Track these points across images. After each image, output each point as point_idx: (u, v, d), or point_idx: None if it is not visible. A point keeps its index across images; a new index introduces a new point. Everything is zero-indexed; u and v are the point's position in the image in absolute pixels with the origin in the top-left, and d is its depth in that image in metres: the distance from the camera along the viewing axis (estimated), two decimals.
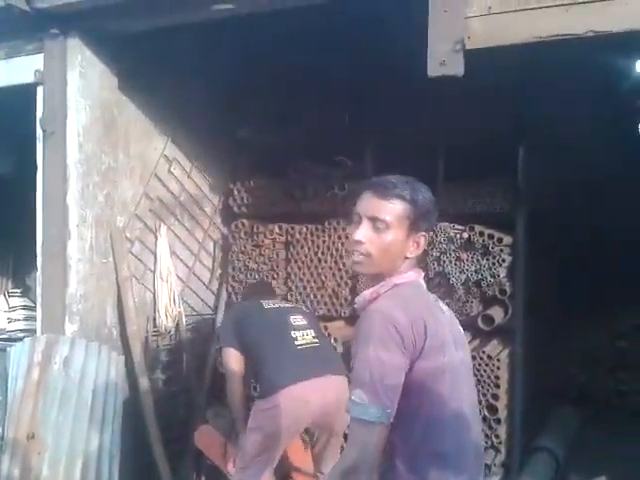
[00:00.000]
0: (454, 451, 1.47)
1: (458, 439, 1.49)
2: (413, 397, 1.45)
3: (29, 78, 3.53)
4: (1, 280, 5.98)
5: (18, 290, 5.20)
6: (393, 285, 1.55)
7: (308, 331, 3.33)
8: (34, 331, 3.65)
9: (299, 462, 3.51)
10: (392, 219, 1.52)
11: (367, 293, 1.60)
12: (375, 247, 1.53)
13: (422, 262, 3.94)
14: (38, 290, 3.55)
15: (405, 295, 1.53)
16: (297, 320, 3.38)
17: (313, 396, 3.02)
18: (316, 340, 3.32)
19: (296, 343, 3.21)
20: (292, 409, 2.97)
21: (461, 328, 1.70)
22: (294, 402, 2.98)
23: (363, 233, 1.53)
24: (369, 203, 1.55)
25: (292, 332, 3.26)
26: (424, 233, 1.58)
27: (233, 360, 3.25)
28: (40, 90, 3.52)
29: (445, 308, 1.66)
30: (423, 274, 1.69)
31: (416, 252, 1.59)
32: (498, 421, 3.67)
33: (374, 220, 1.53)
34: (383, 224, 1.52)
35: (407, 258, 1.58)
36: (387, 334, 1.40)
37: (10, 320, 4.91)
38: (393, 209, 1.53)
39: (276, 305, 3.55)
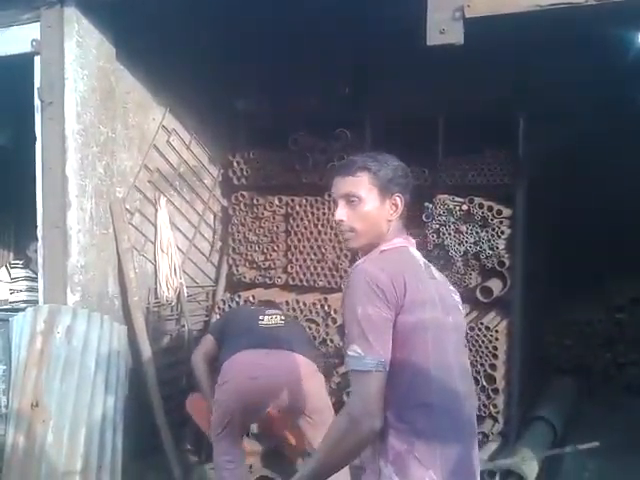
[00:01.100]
0: (440, 402, 1.54)
1: (444, 391, 1.55)
2: (398, 350, 1.53)
3: (26, 48, 3.50)
4: (3, 252, 6.01)
5: (20, 261, 5.21)
6: (380, 252, 1.64)
7: (278, 316, 3.37)
8: (37, 302, 3.67)
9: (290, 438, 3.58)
10: (361, 190, 1.64)
11: (361, 262, 1.66)
12: (355, 220, 1.65)
13: (421, 234, 3.97)
14: (39, 261, 3.57)
15: (388, 258, 1.60)
16: (271, 310, 3.44)
17: (259, 363, 3.02)
18: (282, 321, 3.33)
19: (260, 323, 3.26)
20: (239, 377, 2.99)
21: (457, 296, 1.75)
22: (239, 369, 3.01)
23: (341, 212, 1.66)
24: (338, 184, 1.68)
25: (261, 316, 3.32)
26: (398, 194, 1.67)
27: (204, 345, 3.37)
28: (37, 60, 3.49)
29: (438, 274, 1.72)
30: (414, 241, 1.75)
31: (397, 213, 1.68)
32: (496, 391, 3.72)
33: (347, 197, 1.65)
34: (355, 198, 1.64)
35: (390, 221, 1.67)
36: (370, 291, 1.49)
37: (12, 291, 4.93)
38: (359, 181, 1.65)
39: (259, 306, 3.70)
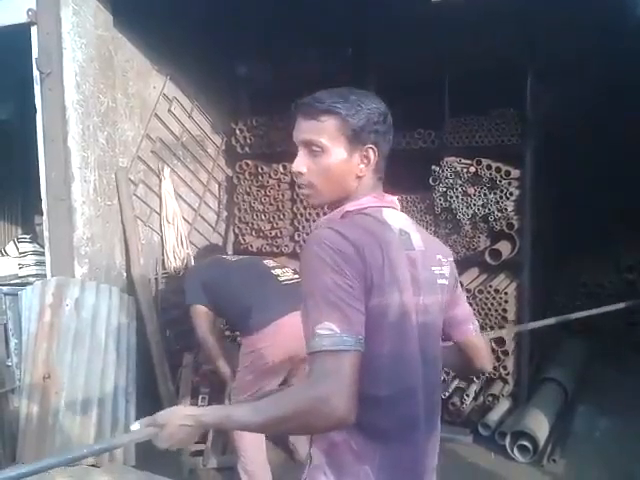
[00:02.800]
0: (390, 395, 1.29)
1: (397, 384, 1.30)
2: None
3: (22, 18, 3.43)
4: (10, 226, 6.03)
5: (27, 236, 5.23)
6: (345, 212, 1.35)
7: (286, 269, 3.30)
8: (45, 276, 3.68)
9: None
10: (325, 138, 1.32)
11: (321, 221, 1.41)
12: (316, 175, 1.35)
13: (428, 198, 3.92)
14: (45, 234, 3.56)
15: (350, 224, 1.31)
16: (270, 263, 3.35)
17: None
18: (297, 276, 3.25)
19: (280, 279, 3.17)
20: (283, 341, 2.92)
21: (445, 268, 1.45)
22: (284, 334, 2.92)
23: (299, 162, 1.36)
24: (300, 127, 1.36)
25: (272, 271, 3.22)
26: (371, 146, 1.34)
27: (204, 318, 3.20)
28: (34, 30, 3.43)
29: (420, 241, 1.40)
30: (393, 199, 1.44)
31: (368, 169, 1.37)
32: (505, 353, 3.72)
33: (308, 145, 1.34)
34: (317, 147, 1.33)
35: (360, 177, 1.36)
36: (337, 258, 1.21)
37: (21, 266, 4.95)
38: (324, 127, 1.32)
39: (238, 257, 3.56)
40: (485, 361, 1.63)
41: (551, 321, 3.17)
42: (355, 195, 1.37)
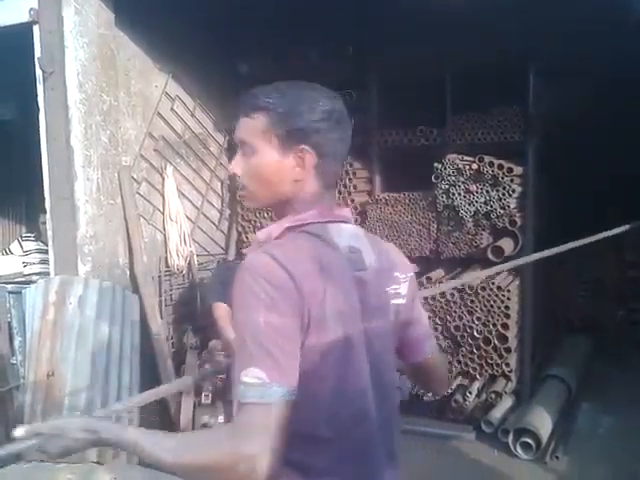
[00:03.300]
0: (336, 435, 1.16)
1: (345, 422, 1.17)
2: None
3: (24, 17, 3.44)
4: (15, 225, 6.05)
5: (32, 234, 5.25)
6: (284, 229, 1.20)
7: None
8: (49, 274, 3.70)
9: None
10: (255, 138, 1.21)
11: (259, 237, 1.26)
12: (248, 177, 1.23)
13: (430, 196, 3.92)
14: (49, 232, 3.58)
15: (292, 247, 1.15)
16: None
17: None
18: None
19: None
20: None
21: (404, 288, 1.30)
22: None
23: (235, 163, 1.25)
24: (238, 125, 1.26)
25: None
26: (307, 147, 1.18)
27: (224, 312, 3.18)
28: (36, 29, 3.44)
29: (372, 263, 1.24)
30: (345, 213, 1.27)
31: (308, 173, 1.20)
32: (508, 350, 3.72)
33: (242, 144, 1.24)
34: (248, 147, 1.22)
35: (298, 181, 1.20)
36: (271, 292, 1.06)
37: (25, 264, 4.97)
38: (254, 125, 1.21)
39: None
40: (438, 385, 1.54)
41: (536, 256, 3.08)
42: (297, 203, 1.22)
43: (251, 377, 1.04)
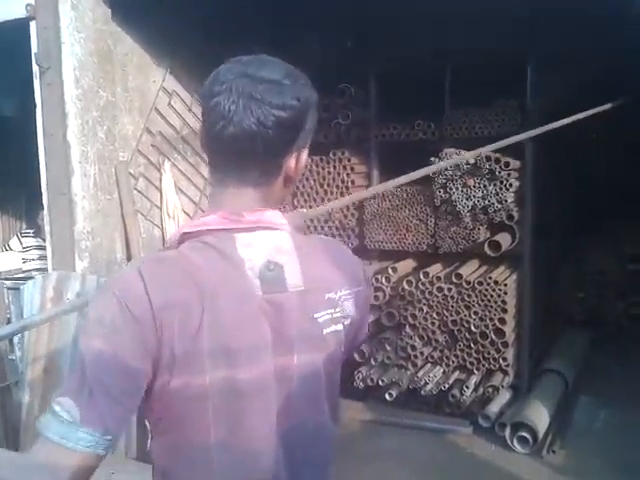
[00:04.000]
0: None
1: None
2: (168, 430, 0.98)
3: (21, 13, 3.44)
4: (15, 221, 6.07)
5: (31, 230, 5.27)
6: (181, 235, 1.02)
7: None
8: (47, 270, 3.71)
9: None
10: None
11: (171, 236, 1.07)
12: None
13: (428, 190, 3.92)
14: (46, 228, 3.59)
15: (172, 264, 0.96)
16: None
17: None
18: None
19: None
20: None
21: (347, 308, 1.07)
22: None
23: None
24: None
25: None
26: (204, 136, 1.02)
27: None
28: (33, 25, 3.44)
29: (296, 284, 1.00)
30: (263, 215, 1.01)
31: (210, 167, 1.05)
32: (505, 344, 3.72)
33: None
34: None
35: (211, 175, 1.06)
36: (115, 326, 0.89)
37: (25, 260, 5.00)
38: None
39: None
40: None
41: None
42: (209, 202, 1.07)
43: (62, 409, 0.88)
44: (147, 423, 1.00)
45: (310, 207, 4.31)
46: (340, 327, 1.06)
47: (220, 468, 0.97)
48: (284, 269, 1.00)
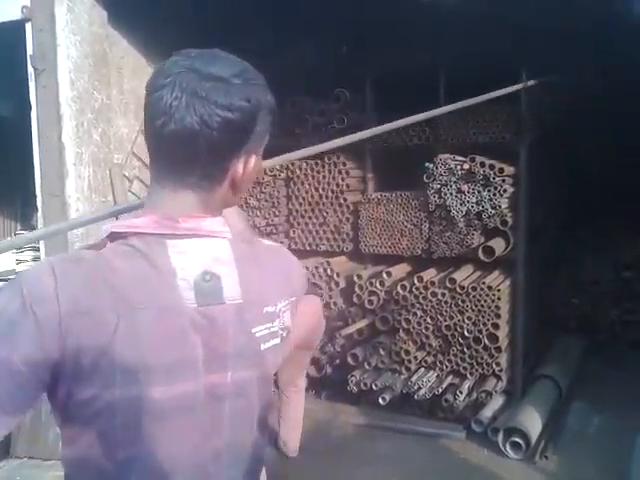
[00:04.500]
0: None
1: None
2: (66, 431, 0.92)
3: (16, 15, 3.45)
4: (10, 222, 6.06)
5: (25, 231, 5.25)
6: (109, 234, 0.94)
7: None
8: None
9: None
10: None
11: (103, 231, 0.97)
12: None
13: (422, 195, 3.92)
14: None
15: (90, 265, 0.88)
16: None
17: (306, 312, 3.02)
18: None
19: None
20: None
21: (285, 319, 1.04)
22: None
23: None
24: None
25: None
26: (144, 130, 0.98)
27: None
28: (28, 27, 3.44)
29: (234, 295, 0.95)
30: (209, 221, 0.96)
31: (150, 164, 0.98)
32: (499, 349, 3.72)
33: None
34: None
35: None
36: (21, 319, 0.83)
37: (19, 261, 4.98)
38: None
39: None
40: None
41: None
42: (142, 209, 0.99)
43: None
44: (57, 429, 0.95)
45: (305, 211, 4.32)
46: (278, 340, 1.02)
47: None
48: (221, 280, 0.94)
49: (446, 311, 3.76)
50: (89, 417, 0.87)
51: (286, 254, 1.14)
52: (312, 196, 4.28)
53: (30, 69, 3.44)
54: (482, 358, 3.73)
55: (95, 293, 0.86)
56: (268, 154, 3.97)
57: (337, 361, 4.14)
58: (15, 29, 3.46)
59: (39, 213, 3.54)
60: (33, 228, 5.01)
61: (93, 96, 3.52)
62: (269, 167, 4.39)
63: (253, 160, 0.97)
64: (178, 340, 0.89)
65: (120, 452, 0.89)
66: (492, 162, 3.69)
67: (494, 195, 3.70)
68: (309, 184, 4.28)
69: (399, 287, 3.87)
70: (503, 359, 3.80)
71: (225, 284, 0.94)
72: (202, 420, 0.93)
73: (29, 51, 3.44)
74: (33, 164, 3.55)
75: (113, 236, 0.93)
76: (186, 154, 0.91)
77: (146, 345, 0.87)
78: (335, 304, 4.15)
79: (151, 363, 0.87)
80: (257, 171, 1.00)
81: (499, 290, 3.68)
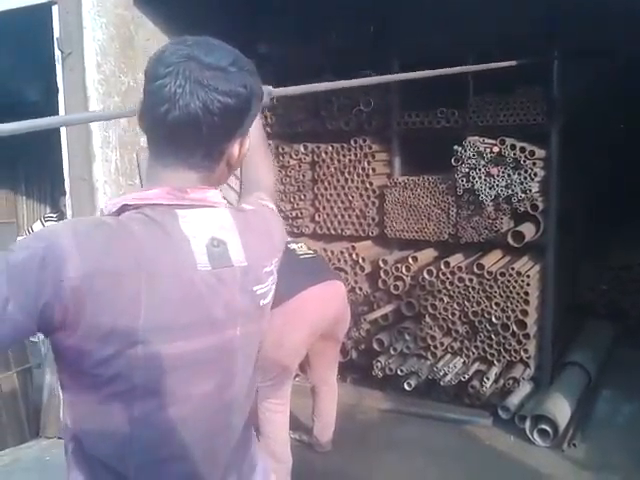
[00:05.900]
0: (128, 475, 0.98)
1: (145, 461, 0.99)
2: (71, 387, 0.98)
3: None
4: (40, 205, 6.14)
5: (54, 215, 5.32)
6: (122, 206, 0.99)
7: (300, 243, 3.26)
8: None
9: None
10: None
11: (106, 206, 1.03)
12: None
13: (450, 179, 3.86)
14: (68, 213, 3.61)
15: (111, 232, 0.92)
16: (290, 238, 3.31)
17: (329, 296, 3.04)
18: (310, 250, 3.27)
19: (297, 252, 3.14)
20: (312, 311, 2.92)
21: (270, 282, 1.14)
22: (314, 303, 2.92)
23: None
24: None
25: (289, 245, 3.09)
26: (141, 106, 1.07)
27: None
28: (55, 9, 3.44)
29: (240, 259, 1.05)
30: (205, 193, 1.04)
31: (147, 138, 1.06)
32: (527, 336, 3.66)
33: None
34: None
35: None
36: (33, 277, 0.84)
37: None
38: None
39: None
40: None
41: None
42: (147, 184, 1.04)
43: None
44: (60, 390, 1.00)
45: (330, 195, 4.28)
46: (267, 301, 1.13)
47: (138, 446, 0.97)
48: (227, 245, 1.03)
49: (473, 297, 3.71)
50: (108, 377, 0.91)
51: (264, 213, 1.22)
52: (338, 180, 4.25)
53: (57, 52, 3.44)
54: (510, 345, 3.67)
55: (117, 255, 0.90)
56: (295, 136, 3.96)
57: (362, 346, 4.12)
58: (42, 12, 3.47)
59: (67, 196, 3.57)
60: (61, 212, 5.06)
61: (119, 79, 3.51)
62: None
63: (246, 141, 1.06)
64: (196, 300, 0.97)
65: (137, 408, 0.94)
66: (523, 145, 3.61)
67: (524, 179, 3.61)
68: (335, 168, 4.24)
69: (425, 272, 3.83)
70: (531, 346, 3.75)
71: (231, 249, 1.04)
72: (217, 372, 1.03)
73: (56, 34, 3.44)
74: (61, 148, 3.58)
75: (123, 209, 0.99)
76: (189, 138, 0.98)
77: (167, 306, 0.93)
78: (360, 289, 4.13)
79: (172, 322, 0.94)
80: (246, 151, 1.09)
81: (528, 276, 3.61)
